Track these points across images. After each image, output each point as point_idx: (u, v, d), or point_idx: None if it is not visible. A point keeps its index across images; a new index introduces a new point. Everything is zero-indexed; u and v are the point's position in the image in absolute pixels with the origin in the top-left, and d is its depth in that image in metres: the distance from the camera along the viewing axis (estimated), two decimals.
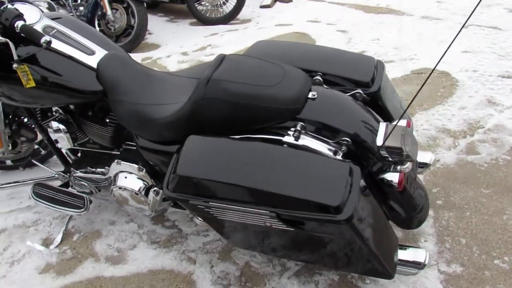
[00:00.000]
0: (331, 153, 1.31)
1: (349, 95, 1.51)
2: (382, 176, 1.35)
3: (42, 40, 1.41)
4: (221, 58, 1.47)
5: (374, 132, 1.37)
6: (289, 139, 1.32)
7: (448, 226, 1.85)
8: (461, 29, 1.15)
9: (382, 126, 1.38)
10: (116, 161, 1.69)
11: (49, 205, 1.82)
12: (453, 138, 2.42)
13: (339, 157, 1.31)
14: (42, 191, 1.87)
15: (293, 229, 1.22)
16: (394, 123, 1.35)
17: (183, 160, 1.28)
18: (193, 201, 1.26)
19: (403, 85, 3.05)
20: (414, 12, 4.50)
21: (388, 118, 1.58)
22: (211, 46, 4.27)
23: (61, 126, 1.71)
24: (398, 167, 1.35)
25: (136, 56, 4.27)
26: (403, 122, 1.47)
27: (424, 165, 1.74)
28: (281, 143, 1.32)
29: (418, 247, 1.40)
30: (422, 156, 1.76)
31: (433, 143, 2.39)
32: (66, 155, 1.98)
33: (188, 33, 4.77)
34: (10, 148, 2.16)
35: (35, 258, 1.87)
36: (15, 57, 1.43)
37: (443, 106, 2.73)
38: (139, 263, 1.81)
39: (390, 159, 1.35)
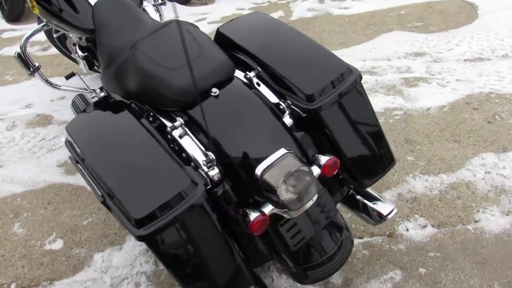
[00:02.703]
0: (204, 165, 1.15)
1: (274, 103, 1.24)
2: (246, 210, 1.12)
3: None
4: (166, 24, 1.39)
5: (263, 157, 1.12)
6: (173, 131, 1.21)
7: None
8: None
9: (279, 153, 1.10)
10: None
11: (74, 114, 2.15)
12: None
13: (213, 172, 1.14)
14: (78, 101, 2.20)
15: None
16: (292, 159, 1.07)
17: (77, 117, 1.34)
18: (72, 159, 1.32)
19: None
20: None
21: (333, 149, 1.25)
22: None
23: (79, 52, 1.94)
24: (269, 208, 1.10)
25: None
26: (324, 160, 1.15)
27: (375, 217, 1.33)
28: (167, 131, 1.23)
29: None
30: (381, 207, 1.35)
31: (492, 197, 1.73)
32: None
33: None
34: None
35: (62, 152, 2.30)
36: None
37: None
38: None
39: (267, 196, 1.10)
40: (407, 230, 1.65)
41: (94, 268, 1.68)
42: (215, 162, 1.14)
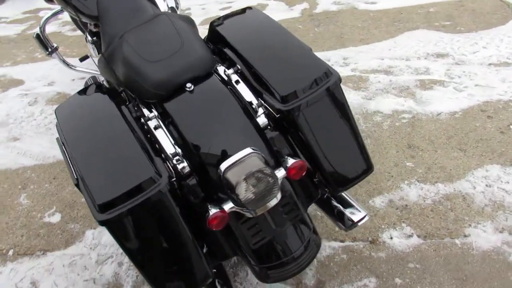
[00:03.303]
0: (172, 158, 1.17)
1: (249, 102, 1.24)
2: (208, 205, 1.14)
3: None
4: (155, 16, 1.41)
5: (229, 155, 1.12)
6: (149, 122, 1.24)
7: None
8: None
9: (243, 152, 1.10)
10: None
11: None
12: None
13: (181, 165, 1.16)
14: (90, 82, 2.29)
15: None
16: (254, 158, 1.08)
17: (67, 101, 1.39)
18: (58, 140, 1.38)
19: None
20: None
21: (307, 152, 1.23)
22: None
23: (88, 37, 2.01)
24: (229, 206, 1.11)
25: None
26: (290, 162, 1.14)
27: (346, 223, 1.32)
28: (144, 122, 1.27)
29: None
30: (353, 213, 1.33)
31: (488, 212, 1.66)
32: None
33: None
34: None
35: None
36: None
37: None
38: None
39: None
40: (391, 238, 1.62)
41: (84, 244, 1.77)
42: (181, 156, 1.16)
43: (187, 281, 1.18)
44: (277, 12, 3.61)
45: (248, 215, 1.14)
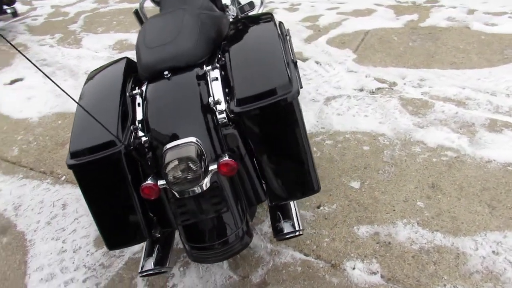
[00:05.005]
0: (134, 131, 1.37)
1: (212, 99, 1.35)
2: (149, 177, 1.30)
3: None
4: (178, 8, 1.61)
5: (176, 138, 1.28)
6: (136, 97, 1.47)
7: None
8: None
9: (186, 139, 1.25)
10: None
11: None
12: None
13: (144, 139, 1.35)
14: None
15: None
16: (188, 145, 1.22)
17: (98, 68, 1.70)
18: None
19: None
20: None
21: (248, 152, 1.31)
22: None
23: None
24: (162, 182, 1.26)
25: None
26: (221, 159, 1.24)
27: (277, 232, 1.35)
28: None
29: None
30: (289, 225, 1.35)
31: (475, 280, 1.45)
32: None
33: None
34: None
35: None
36: None
37: None
38: None
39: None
40: (354, 268, 1.56)
41: None
42: (145, 132, 1.35)
43: (122, 234, 1.39)
44: (381, 19, 3.46)
45: (176, 195, 1.28)
